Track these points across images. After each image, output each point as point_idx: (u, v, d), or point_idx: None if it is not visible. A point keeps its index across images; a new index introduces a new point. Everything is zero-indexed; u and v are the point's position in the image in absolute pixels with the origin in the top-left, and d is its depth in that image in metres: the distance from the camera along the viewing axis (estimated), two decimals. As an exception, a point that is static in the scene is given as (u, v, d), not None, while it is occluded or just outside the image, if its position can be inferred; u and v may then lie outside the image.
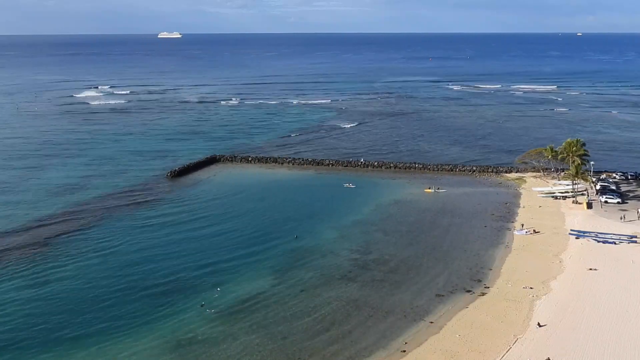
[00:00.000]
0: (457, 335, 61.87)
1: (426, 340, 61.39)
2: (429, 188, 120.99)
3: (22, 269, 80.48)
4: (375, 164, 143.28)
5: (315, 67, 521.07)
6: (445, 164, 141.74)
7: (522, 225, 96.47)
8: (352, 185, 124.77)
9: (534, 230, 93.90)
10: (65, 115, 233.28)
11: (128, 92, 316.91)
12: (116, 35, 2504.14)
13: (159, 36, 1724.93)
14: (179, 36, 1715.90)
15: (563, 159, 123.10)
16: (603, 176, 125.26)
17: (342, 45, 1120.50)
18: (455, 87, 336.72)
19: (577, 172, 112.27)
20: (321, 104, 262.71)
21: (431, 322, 65.35)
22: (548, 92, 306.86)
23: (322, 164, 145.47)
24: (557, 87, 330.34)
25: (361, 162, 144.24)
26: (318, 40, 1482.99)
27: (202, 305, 69.23)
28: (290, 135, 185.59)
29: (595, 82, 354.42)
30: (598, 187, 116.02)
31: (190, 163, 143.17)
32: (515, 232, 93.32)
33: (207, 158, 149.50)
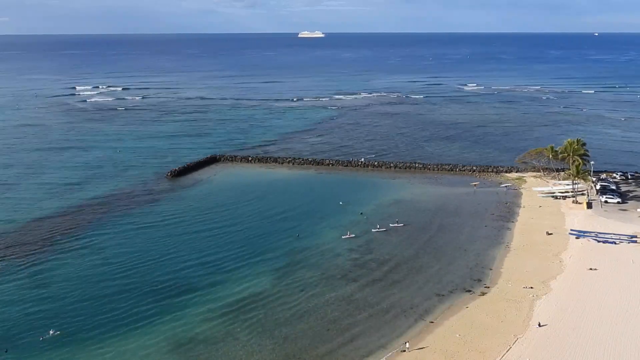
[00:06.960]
0: (457, 335, 61.90)
1: (426, 340, 61.42)
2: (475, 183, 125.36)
3: (22, 268, 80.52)
4: (375, 163, 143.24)
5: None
6: (446, 164, 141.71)
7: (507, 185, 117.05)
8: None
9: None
10: (65, 114, 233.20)
11: (136, 91, 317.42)
12: (120, 34, 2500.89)
13: (299, 35, 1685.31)
14: (322, 35, 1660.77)
15: (563, 159, 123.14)
16: (603, 176, 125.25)
17: (342, 45, 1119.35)
18: (456, 86, 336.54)
19: (577, 172, 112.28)
20: (321, 103, 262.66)
21: (431, 322, 65.43)
22: (549, 91, 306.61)
23: (322, 163, 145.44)
24: (557, 86, 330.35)
25: (361, 162, 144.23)
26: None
27: (361, 214, 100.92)
28: (290, 135, 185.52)
29: (599, 83, 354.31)
30: (598, 187, 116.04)
31: (190, 163, 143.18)
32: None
33: (207, 158, 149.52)
